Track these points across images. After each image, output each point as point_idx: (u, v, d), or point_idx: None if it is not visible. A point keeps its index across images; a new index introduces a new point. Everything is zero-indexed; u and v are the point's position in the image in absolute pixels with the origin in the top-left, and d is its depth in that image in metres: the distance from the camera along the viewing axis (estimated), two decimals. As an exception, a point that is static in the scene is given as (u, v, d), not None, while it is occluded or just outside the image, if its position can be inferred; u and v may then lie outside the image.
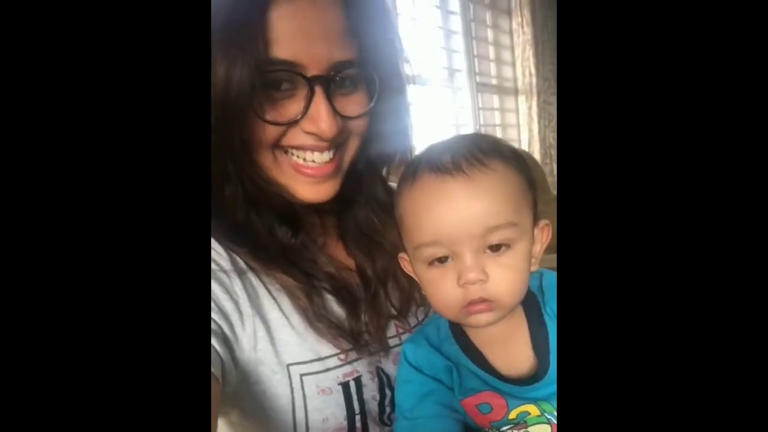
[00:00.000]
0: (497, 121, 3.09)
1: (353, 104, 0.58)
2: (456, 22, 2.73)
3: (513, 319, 0.54)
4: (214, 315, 0.53)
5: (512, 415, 0.53)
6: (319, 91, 0.54)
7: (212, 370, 0.49)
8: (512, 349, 0.55)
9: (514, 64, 3.11)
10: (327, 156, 0.58)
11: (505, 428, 0.53)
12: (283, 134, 0.56)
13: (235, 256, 0.59)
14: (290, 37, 0.52)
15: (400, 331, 0.66)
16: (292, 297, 0.59)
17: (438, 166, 0.50)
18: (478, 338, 0.56)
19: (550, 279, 0.56)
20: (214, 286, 0.55)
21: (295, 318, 0.59)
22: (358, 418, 0.59)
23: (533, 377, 0.53)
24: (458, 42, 2.75)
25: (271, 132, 0.55)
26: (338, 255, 0.67)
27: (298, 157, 0.58)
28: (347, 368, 0.59)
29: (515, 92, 3.14)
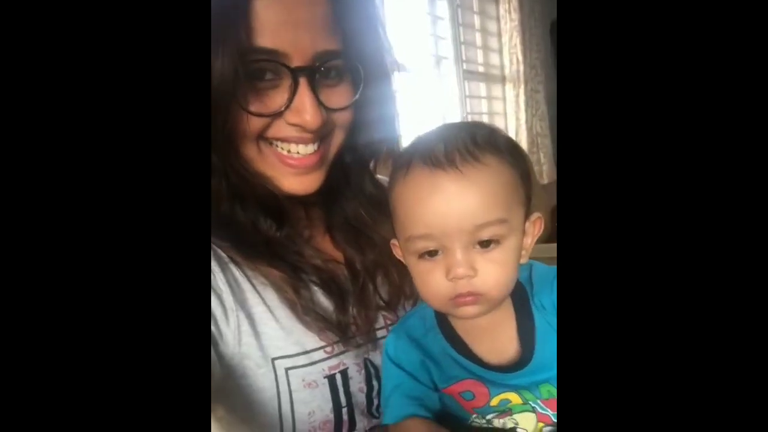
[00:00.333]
0: (484, 109, 3.08)
1: (338, 96, 0.57)
2: (442, 8, 2.71)
3: (500, 310, 0.55)
4: None
5: (494, 402, 0.54)
6: (303, 82, 0.53)
7: None
8: (497, 338, 0.55)
9: (501, 51, 3.10)
10: (311, 148, 0.58)
11: (489, 416, 0.54)
12: (268, 126, 0.56)
13: (218, 249, 0.58)
14: (274, 26, 0.52)
15: (389, 322, 0.66)
16: (278, 290, 0.59)
17: (431, 159, 0.50)
18: (463, 328, 0.57)
19: (540, 271, 0.57)
20: None
21: (280, 311, 0.59)
22: (344, 410, 0.59)
23: (515, 365, 0.54)
24: (445, 28, 2.73)
25: (255, 123, 0.55)
26: (325, 248, 0.67)
27: (282, 148, 0.57)
28: (333, 361, 0.59)
29: (502, 80, 3.14)
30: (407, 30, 2.42)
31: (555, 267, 0.53)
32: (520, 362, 0.54)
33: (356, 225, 0.68)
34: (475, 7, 3.02)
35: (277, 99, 0.54)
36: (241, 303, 0.57)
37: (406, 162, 0.52)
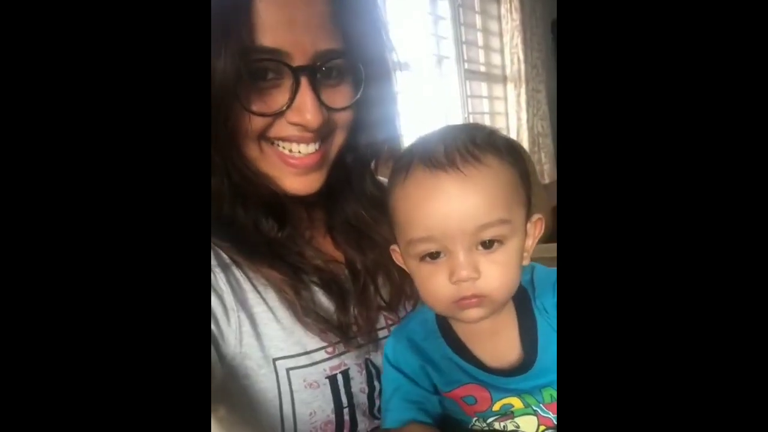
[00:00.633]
0: (485, 109, 3.08)
1: (339, 95, 0.57)
2: (444, 7, 2.71)
3: (502, 313, 0.54)
4: None
5: (496, 407, 0.53)
6: (304, 81, 0.53)
7: None
8: (499, 341, 0.55)
9: (502, 51, 3.09)
10: (312, 147, 0.57)
11: (491, 419, 0.54)
12: (269, 125, 0.56)
13: (218, 250, 0.58)
14: (275, 26, 0.51)
15: (390, 323, 0.66)
16: (279, 291, 0.59)
17: (432, 160, 0.49)
18: (465, 331, 0.56)
19: (541, 273, 0.57)
20: None
21: (281, 312, 0.58)
22: (346, 411, 0.59)
23: (518, 369, 0.53)
24: (446, 28, 2.73)
25: (256, 123, 0.55)
26: (326, 248, 0.67)
27: (283, 148, 0.57)
28: (335, 361, 0.59)
29: (503, 80, 3.13)
30: (409, 30, 2.42)
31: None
32: (523, 366, 0.53)
33: (357, 225, 0.68)
34: (477, 7, 3.02)
35: (279, 98, 0.54)
36: (242, 303, 0.57)
37: (405, 165, 0.51)
